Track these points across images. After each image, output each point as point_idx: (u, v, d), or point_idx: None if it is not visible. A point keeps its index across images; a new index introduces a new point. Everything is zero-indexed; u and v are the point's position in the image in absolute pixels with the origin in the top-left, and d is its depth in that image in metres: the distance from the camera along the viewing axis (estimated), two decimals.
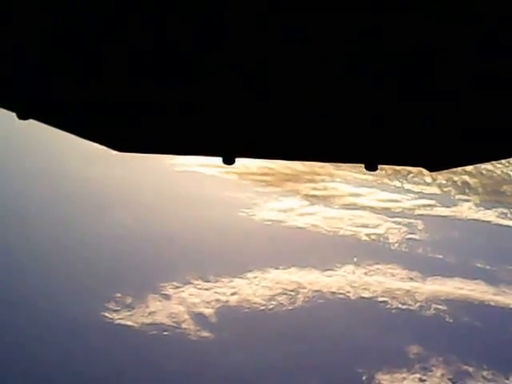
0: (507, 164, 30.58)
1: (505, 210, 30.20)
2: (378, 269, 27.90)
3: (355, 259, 28.32)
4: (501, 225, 29.87)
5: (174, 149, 4.45)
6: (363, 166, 4.34)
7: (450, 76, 2.29)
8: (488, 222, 30.20)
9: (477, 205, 30.82)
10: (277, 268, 28.07)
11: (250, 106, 3.06)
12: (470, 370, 23.10)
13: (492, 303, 26.31)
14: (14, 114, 3.34)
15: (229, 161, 4.30)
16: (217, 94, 2.78)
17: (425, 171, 4.82)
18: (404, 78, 2.37)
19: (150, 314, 25.62)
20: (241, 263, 28.08)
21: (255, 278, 27.62)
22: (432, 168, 4.62)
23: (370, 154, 4.33)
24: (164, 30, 1.96)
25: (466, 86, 2.44)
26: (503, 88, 2.38)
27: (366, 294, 26.76)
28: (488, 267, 27.83)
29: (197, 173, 30.99)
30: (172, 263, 27.92)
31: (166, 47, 2.15)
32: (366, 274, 27.77)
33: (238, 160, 4.36)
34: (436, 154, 4.26)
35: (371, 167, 4.30)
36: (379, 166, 4.37)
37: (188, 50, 2.16)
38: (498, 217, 30.38)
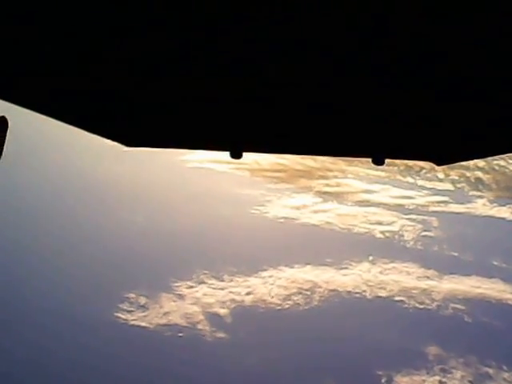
0: None
1: None
2: (393, 267, 27.60)
3: (370, 257, 28.01)
4: None
5: (182, 143, 4.43)
6: (370, 160, 4.39)
7: (456, 71, 2.27)
8: (503, 218, 29.86)
9: (491, 201, 30.47)
10: (291, 267, 27.80)
11: (257, 101, 3.02)
12: (490, 371, 22.88)
13: (510, 302, 26.06)
14: (24, 110, 3.33)
15: (236, 155, 4.30)
16: (225, 89, 2.77)
17: (437, 167, 4.83)
18: (411, 73, 2.34)
19: (165, 314, 25.37)
20: (255, 262, 27.80)
21: (270, 277, 27.33)
22: (440, 162, 4.61)
23: (378, 148, 4.29)
24: (171, 29, 1.98)
25: (473, 81, 2.40)
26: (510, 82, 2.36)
27: (382, 294, 26.50)
28: (504, 265, 27.56)
29: (208, 169, 30.57)
30: (185, 262, 27.62)
31: (174, 45, 2.16)
32: (381, 272, 27.47)
33: (248, 155, 4.33)
34: (443, 147, 4.20)
35: (378, 161, 4.35)
36: (388, 161, 4.42)
37: (196, 48, 2.17)
38: None
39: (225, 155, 4.36)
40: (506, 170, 30.99)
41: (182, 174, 30.98)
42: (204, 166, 30.55)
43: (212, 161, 30.52)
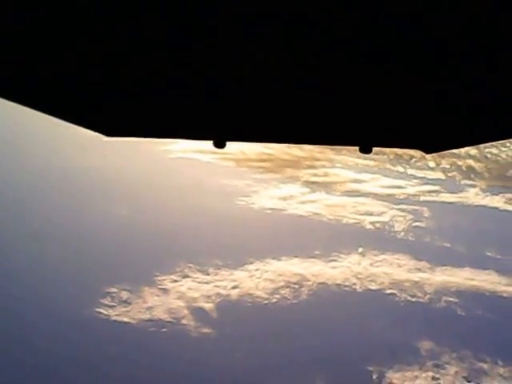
0: None
1: None
2: (384, 259, 26.86)
3: (360, 249, 27.24)
4: (509, 211, 28.98)
5: (164, 132, 4.36)
6: (357, 148, 4.29)
7: (445, 57, 2.30)
8: (496, 208, 29.29)
9: (483, 190, 29.91)
10: (279, 259, 26.96)
11: (240, 89, 3.03)
12: (485, 366, 22.27)
13: (505, 294, 25.45)
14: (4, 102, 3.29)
15: (220, 144, 4.21)
16: (208, 76, 2.79)
17: (426, 155, 4.75)
18: (398, 59, 2.37)
19: (148, 309, 24.42)
20: (241, 254, 26.92)
21: (257, 270, 26.48)
22: (429, 150, 4.52)
23: (365, 136, 4.23)
24: (153, 15, 2.03)
25: (461, 67, 2.43)
26: (500, 68, 2.38)
27: (373, 287, 25.76)
28: (499, 256, 26.94)
29: (192, 159, 29.71)
30: (169, 255, 26.68)
31: (156, 33, 2.20)
32: (371, 264, 26.72)
33: (232, 145, 4.25)
34: (432, 135, 4.14)
35: (366, 150, 4.24)
36: (377, 150, 4.35)
37: (178, 36, 2.21)
38: (505, 203, 29.48)
39: (208, 144, 4.26)
40: (499, 158, 30.42)
41: (164, 165, 30.06)
42: (187, 157, 29.70)
43: (196, 151, 29.73)
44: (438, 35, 2.09)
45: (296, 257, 27.06)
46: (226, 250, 27.03)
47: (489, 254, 27.01)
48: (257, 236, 27.93)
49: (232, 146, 4.22)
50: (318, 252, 27.10)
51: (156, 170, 30.08)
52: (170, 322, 24.15)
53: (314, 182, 30.40)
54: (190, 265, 26.32)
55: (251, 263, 26.68)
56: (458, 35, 2.07)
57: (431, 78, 2.65)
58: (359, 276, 26.17)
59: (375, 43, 2.20)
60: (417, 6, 1.83)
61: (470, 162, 30.41)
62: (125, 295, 24.72)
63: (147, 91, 3.20)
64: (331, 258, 26.94)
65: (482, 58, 2.31)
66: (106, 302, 24.39)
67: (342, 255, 27.10)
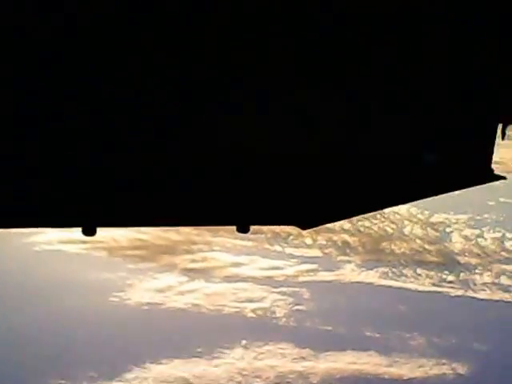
0: (382, 219, 30.81)
1: (385, 269, 30.16)
2: (268, 350, 26.12)
3: (243, 341, 26.29)
4: (383, 285, 29.81)
5: (25, 222, 4.03)
6: (235, 228, 4.30)
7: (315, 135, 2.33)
8: (371, 283, 30.02)
9: (358, 266, 30.56)
10: (159, 363, 25.13)
11: (107, 172, 3.09)
12: None
13: (386, 376, 25.73)
14: None
15: (89, 232, 4.07)
16: (70, 156, 2.84)
17: (303, 231, 4.88)
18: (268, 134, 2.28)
19: None
20: (118, 361, 24.77)
21: (135, 378, 24.43)
22: (304, 226, 4.70)
23: (241, 214, 4.29)
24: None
25: (331, 145, 2.73)
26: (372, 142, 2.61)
27: (257, 383, 24.77)
28: (378, 335, 27.35)
29: (59, 251, 27.26)
30: (36, 372, 23.72)
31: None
32: (255, 358, 25.86)
33: (104, 232, 4.10)
34: (306, 210, 4.37)
35: (243, 229, 4.32)
36: (257, 228, 4.51)
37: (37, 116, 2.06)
38: (379, 277, 30.31)
39: (77, 233, 4.07)
40: (371, 231, 31.39)
41: (26, 260, 27.23)
42: (54, 248, 27.23)
43: (63, 241, 27.37)
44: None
45: (177, 358, 25.45)
46: (100, 358, 24.74)
47: (368, 333, 27.40)
48: (134, 337, 26.01)
49: (103, 234, 4.07)
50: (200, 350, 25.74)
51: (16, 267, 27.15)
52: None
53: (192, 269, 29.24)
54: (62, 381, 23.62)
55: (129, 371, 24.61)
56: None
57: (301, 154, 2.76)
58: (244, 372, 25.15)
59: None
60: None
61: (345, 236, 31.08)
62: None
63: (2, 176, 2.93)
64: (214, 355, 25.70)
65: (351, 135, 2.41)
66: None
67: (225, 350, 25.96)
